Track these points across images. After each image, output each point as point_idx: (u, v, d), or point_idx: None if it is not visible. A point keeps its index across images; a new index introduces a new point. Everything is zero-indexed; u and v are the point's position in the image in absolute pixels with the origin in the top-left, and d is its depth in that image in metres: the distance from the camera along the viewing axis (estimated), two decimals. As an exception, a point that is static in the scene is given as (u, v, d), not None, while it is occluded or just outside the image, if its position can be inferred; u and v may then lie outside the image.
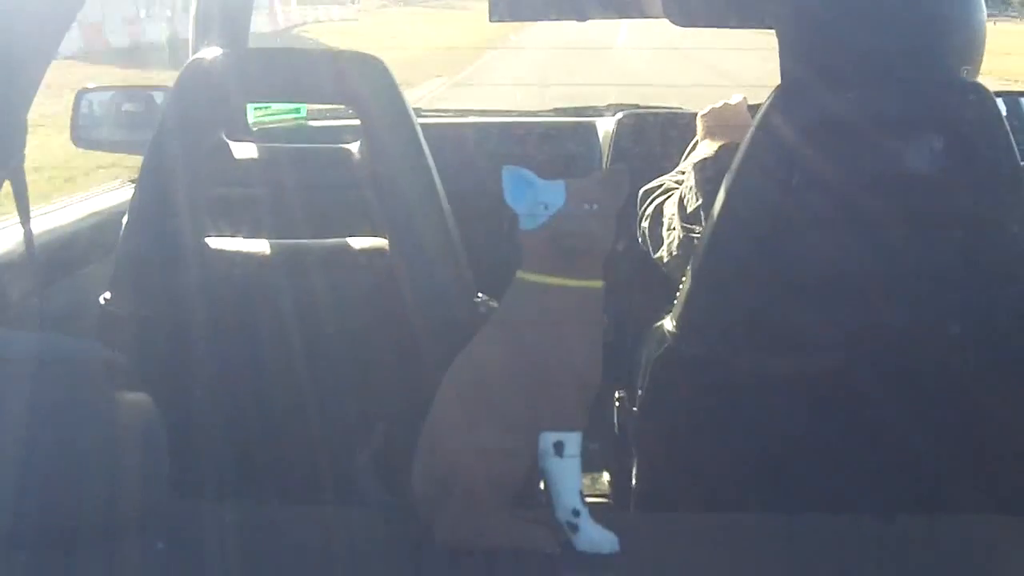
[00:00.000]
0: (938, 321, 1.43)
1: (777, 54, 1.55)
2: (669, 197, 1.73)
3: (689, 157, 1.80)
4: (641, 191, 1.79)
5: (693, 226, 1.62)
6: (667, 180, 1.80)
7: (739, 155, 1.44)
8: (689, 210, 1.62)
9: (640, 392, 1.52)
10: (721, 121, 1.77)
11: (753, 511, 1.39)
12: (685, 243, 1.64)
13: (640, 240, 1.78)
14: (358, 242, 1.73)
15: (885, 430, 1.43)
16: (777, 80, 1.47)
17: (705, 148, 1.74)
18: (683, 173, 1.75)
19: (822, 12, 1.49)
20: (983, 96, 1.41)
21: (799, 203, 1.43)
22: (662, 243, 1.70)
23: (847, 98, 1.43)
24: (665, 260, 1.69)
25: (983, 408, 1.44)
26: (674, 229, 1.68)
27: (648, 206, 1.77)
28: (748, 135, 1.44)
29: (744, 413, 1.46)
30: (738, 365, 1.46)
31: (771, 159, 1.43)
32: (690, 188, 1.64)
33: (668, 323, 1.49)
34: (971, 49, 1.49)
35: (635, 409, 1.56)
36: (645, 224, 1.76)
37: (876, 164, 1.45)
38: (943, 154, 1.50)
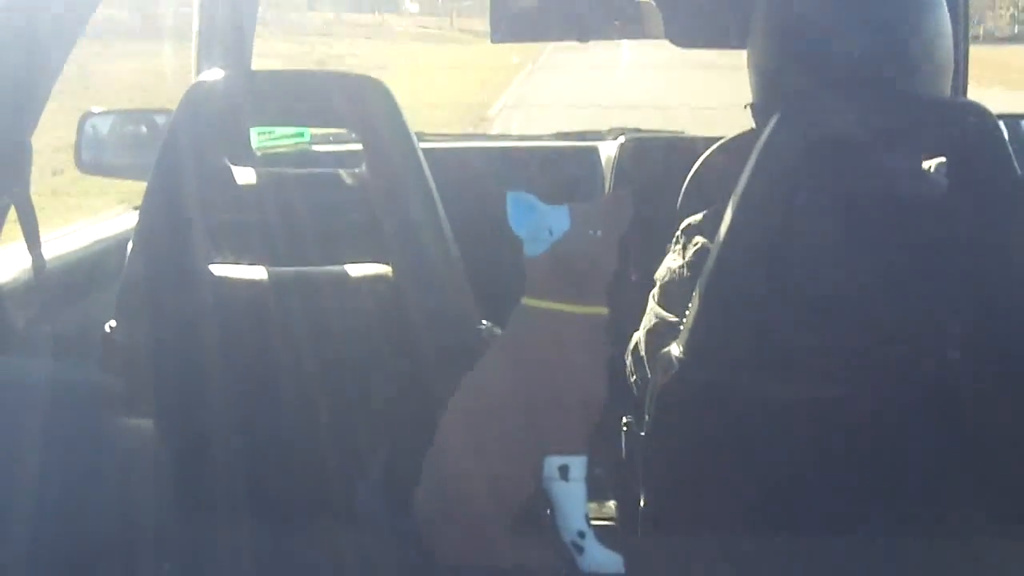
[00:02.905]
0: (941, 342, 1.43)
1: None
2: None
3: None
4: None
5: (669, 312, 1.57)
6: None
7: (744, 179, 1.44)
8: (682, 262, 1.59)
9: (647, 418, 1.52)
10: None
11: (760, 535, 1.38)
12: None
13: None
14: (361, 268, 1.73)
15: (892, 453, 1.43)
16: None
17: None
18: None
19: (804, 19, 1.51)
20: (984, 116, 1.41)
21: (804, 226, 1.43)
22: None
23: (848, 119, 1.42)
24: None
25: (990, 429, 1.44)
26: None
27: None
28: (752, 158, 1.44)
29: (751, 438, 1.46)
30: (745, 390, 1.45)
31: (775, 182, 1.43)
32: (675, 248, 1.61)
33: (675, 349, 1.48)
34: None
35: (642, 435, 1.55)
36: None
37: (878, 184, 1.45)
38: (946, 174, 1.50)
